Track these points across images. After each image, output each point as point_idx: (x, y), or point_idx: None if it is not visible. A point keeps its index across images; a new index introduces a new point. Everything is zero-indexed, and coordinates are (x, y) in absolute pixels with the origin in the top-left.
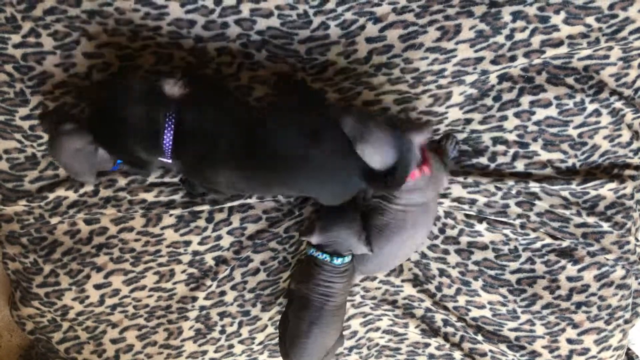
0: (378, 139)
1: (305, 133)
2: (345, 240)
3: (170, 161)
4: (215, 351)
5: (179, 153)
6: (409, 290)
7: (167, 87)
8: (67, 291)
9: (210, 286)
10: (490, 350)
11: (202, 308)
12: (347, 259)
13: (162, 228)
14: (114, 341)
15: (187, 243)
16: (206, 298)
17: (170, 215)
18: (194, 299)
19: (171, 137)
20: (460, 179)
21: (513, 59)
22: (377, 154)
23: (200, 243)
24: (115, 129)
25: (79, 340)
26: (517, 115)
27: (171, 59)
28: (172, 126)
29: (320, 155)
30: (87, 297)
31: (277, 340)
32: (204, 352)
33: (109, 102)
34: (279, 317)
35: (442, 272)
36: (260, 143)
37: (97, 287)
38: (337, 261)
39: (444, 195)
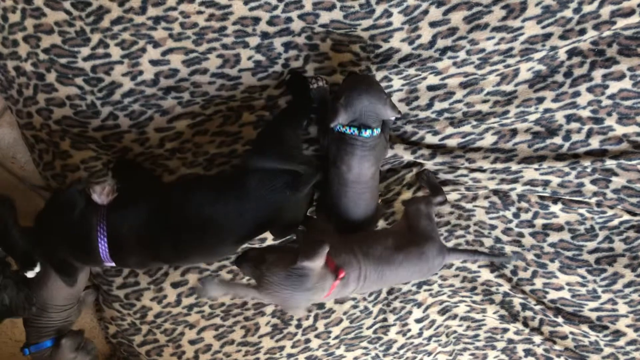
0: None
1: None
2: (371, 110)
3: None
4: (293, 346)
5: (119, 257)
6: (486, 275)
7: (94, 195)
8: (145, 291)
9: None
10: (571, 332)
11: None
12: (377, 131)
13: None
14: (192, 342)
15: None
16: None
17: None
18: None
19: (106, 244)
20: (535, 165)
21: (582, 32)
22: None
23: None
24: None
25: (158, 343)
26: (590, 90)
27: (238, 59)
28: (104, 233)
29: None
30: (165, 296)
31: (352, 334)
32: (282, 348)
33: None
34: (352, 310)
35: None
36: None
37: (175, 285)
38: (366, 133)
39: (515, 180)
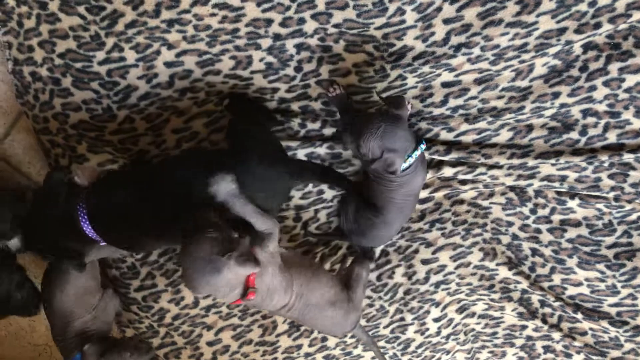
0: None
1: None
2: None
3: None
4: (310, 345)
5: (104, 232)
6: (504, 273)
7: (76, 177)
8: (163, 293)
9: None
10: (591, 329)
11: None
12: (415, 154)
13: None
14: (210, 343)
15: None
16: None
17: None
18: None
19: (87, 222)
20: (552, 160)
21: (597, 26)
22: None
23: None
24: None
25: (176, 345)
26: (606, 84)
27: (250, 61)
28: (84, 212)
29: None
30: (183, 298)
31: (369, 333)
32: (299, 347)
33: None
34: (368, 309)
35: (534, 252)
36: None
37: None
38: (405, 164)
39: (532, 176)
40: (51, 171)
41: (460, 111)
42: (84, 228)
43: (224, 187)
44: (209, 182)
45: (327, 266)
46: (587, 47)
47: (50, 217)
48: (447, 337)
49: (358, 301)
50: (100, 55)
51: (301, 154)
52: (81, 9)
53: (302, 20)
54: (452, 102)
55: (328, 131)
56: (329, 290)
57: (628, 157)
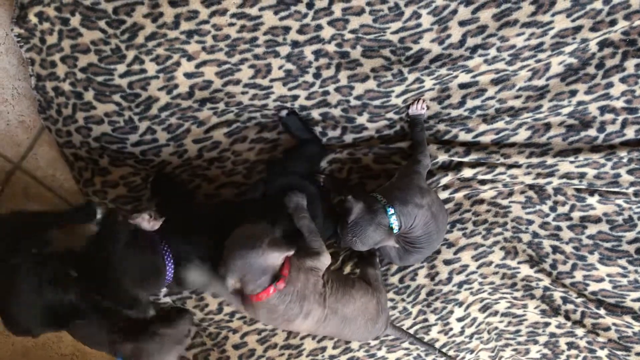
0: None
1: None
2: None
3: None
4: (334, 347)
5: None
6: (526, 271)
7: (144, 224)
8: (188, 299)
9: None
10: (614, 324)
11: None
12: (390, 213)
13: None
14: (236, 347)
15: None
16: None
17: None
18: None
19: (172, 266)
20: (571, 158)
21: (613, 23)
22: None
23: None
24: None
25: (204, 346)
26: (623, 80)
27: (270, 69)
28: (170, 256)
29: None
30: (207, 305)
31: (393, 335)
32: (323, 349)
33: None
34: (391, 312)
35: (555, 249)
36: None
37: (216, 295)
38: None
39: (551, 174)
40: (108, 215)
41: (478, 112)
42: (168, 270)
43: (295, 200)
44: (287, 195)
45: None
46: (602, 45)
47: (123, 267)
48: (471, 336)
49: (384, 301)
50: (121, 68)
51: (323, 160)
52: (102, 23)
53: (319, 27)
54: (470, 103)
55: (348, 138)
56: (359, 299)
57: None
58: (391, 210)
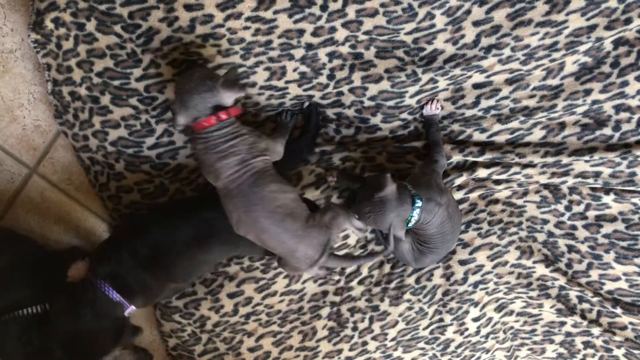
0: None
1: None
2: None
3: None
4: (350, 349)
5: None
6: (541, 270)
7: (73, 272)
8: (203, 301)
9: (339, 281)
10: (631, 323)
11: (332, 304)
12: (417, 204)
13: None
14: (251, 350)
15: None
16: (335, 293)
17: None
18: (325, 293)
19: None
20: (586, 157)
21: (628, 21)
22: None
23: None
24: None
25: (218, 352)
26: (638, 79)
27: (285, 72)
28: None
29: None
30: (222, 306)
31: (409, 336)
32: (339, 351)
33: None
34: (407, 312)
35: (570, 249)
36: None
37: (230, 296)
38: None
39: (566, 173)
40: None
41: (493, 112)
42: (111, 296)
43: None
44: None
45: None
46: (617, 43)
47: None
48: (487, 336)
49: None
50: (138, 72)
51: (336, 158)
52: (117, 28)
53: (333, 29)
54: (484, 103)
55: (362, 137)
56: (275, 188)
57: None
58: (419, 203)
